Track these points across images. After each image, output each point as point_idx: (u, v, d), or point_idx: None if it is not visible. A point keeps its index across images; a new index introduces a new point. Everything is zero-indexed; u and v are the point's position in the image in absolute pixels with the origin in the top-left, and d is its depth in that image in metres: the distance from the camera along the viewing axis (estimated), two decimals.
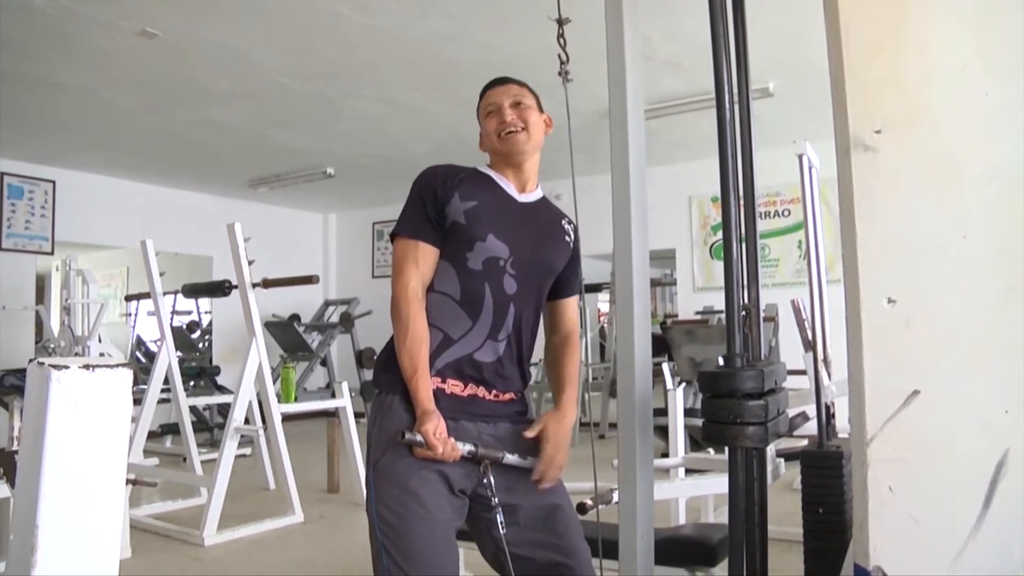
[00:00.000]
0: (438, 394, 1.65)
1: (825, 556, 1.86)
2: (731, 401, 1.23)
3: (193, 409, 6.44)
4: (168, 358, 4.98)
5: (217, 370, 7.76)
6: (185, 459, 5.33)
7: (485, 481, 1.64)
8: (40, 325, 7.20)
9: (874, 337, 1.08)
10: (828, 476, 1.93)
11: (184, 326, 8.84)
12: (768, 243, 7.10)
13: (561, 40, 1.68)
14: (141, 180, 7.90)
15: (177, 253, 8.05)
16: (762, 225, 6.97)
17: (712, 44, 1.32)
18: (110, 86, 5.14)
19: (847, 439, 1.41)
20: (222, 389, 7.28)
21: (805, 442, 3.10)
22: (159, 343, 5.06)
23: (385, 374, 1.71)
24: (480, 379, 1.71)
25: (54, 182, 7.26)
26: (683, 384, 4.34)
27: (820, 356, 2.53)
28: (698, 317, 7.01)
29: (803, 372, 2.98)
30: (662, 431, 4.12)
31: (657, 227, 7.28)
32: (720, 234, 1.36)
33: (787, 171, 3.29)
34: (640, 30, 1.44)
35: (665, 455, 4.02)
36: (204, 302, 8.82)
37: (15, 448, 3.11)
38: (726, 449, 1.30)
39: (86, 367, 0.90)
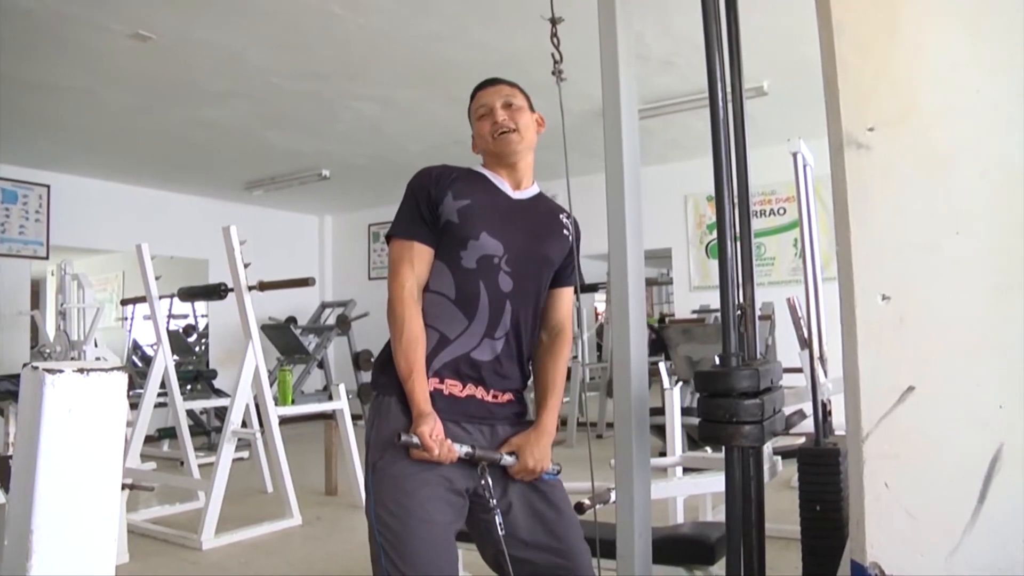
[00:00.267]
0: (435, 395, 1.66)
1: (823, 553, 1.87)
2: (727, 400, 1.23)
3: (190, 413, 6.42)
4: (164, 362, 4.98)
5: (214, 373, 7.75)
6: (182, 463, 5.33)
7: (483, 483, 1.64)
8: (35, 330, 7.19)
9: (869, 334, 1.08)
10: (825, 473, 1.94)
11: (180, 330, 8.83)
12: (764, 242, 7.10)
13: (554, 39, 1.68)
14: (136, 184, 7.88)
15: (173, 256, 8.04)
16: (758, 224, 6.99)
17: (705, 42, 1.33)
18: (104, 89, 5.14)
19: (844, 436, 1.41)
20: (219, 392, 7.26)
21: (802, 440, 3.10)
22: (155, 347, 5.06)
23: (383, 376, 1.71)
24: (478, 378, 1.71)
25: (48, 186, 7.24)
26: (680, 383, 4.34)
27: (816, 354, 2.53)
28: (694, 316, 7.02)
29: (799, 370, 2.99)
30: (659, 430, 4.12)
31: (653, 226, 7.34)
32: (716, 233, 1.36)
33: (782, 170, 3.30)
34: (633, 28, 1.44)
35: (663, 454, 4.03)
36: (200, 305, 8.81)
37: (9, 453, 3.10)
38: (723, 448, 1.30)
39: (81, 371, 0.89)
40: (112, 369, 0.93)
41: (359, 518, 4.51)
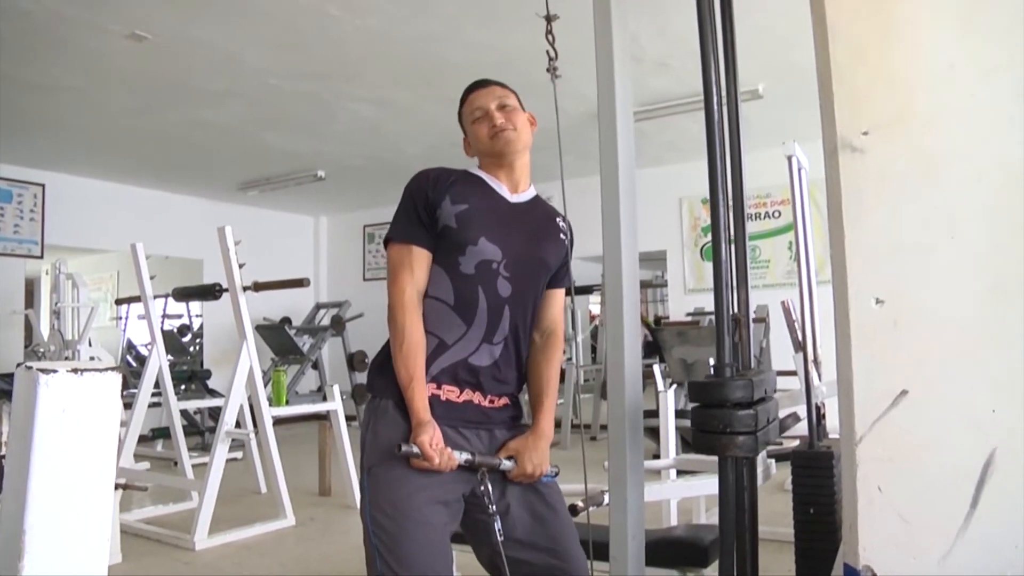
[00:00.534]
0: (433, 401, 1.65)
1: (816, 556, 1.86)
2: (720, 411, 1.23)
3: (184, 413, 6.41)
4: (159, 362, 4.96)
5: (208, 374, 7.73)
6: (176, 463, 5.32)
7: (482, 489, 1.65)
8: (29, 329, 7.16)
9: (862, 338, 1.08)
10: (819, 476, 1.93)
11: (175, 330, 8.80)
12: (759, 244, 7.11)
13: (549, 36, 1.68)
14: (131, 183, 7.86)
15: (168, 256, 8.02)
16: (753, 227, 7.00)
17: (700, 45, 1.33)
18: (100, 89, 5.12)
19: (838, 440, 1.41)
20: (213, 393, 7.25)
21: (796, 443, 3.11)
22: (150, 347, 5.04)
23: (379, 378, 1.71)
24: (476, 384, 1.71)
25: (43, 185, 7.22)
26: (674, 385, 4.34)
27: (810, 357, 2.53)
28: (689, 319, 7.02)
29: (794, 373, 2.99)
30: (653, 432, 4.12)
31: (648, 229, 7.32)
32: (710, 236, 1.36)
33: (777, 173, 3.30)
34: (629, 29, 1.44)
35: (656, 456, 4.03)
36: (195, 305, 8.79)
37: (2, 453, 3.09)
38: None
39: (74, 371, 0.89)
40: (106, 369, 0.92)
41: (353, 519, 4.52)
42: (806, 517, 1.93)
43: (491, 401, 1.74)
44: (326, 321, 8.82)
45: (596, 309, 10.54)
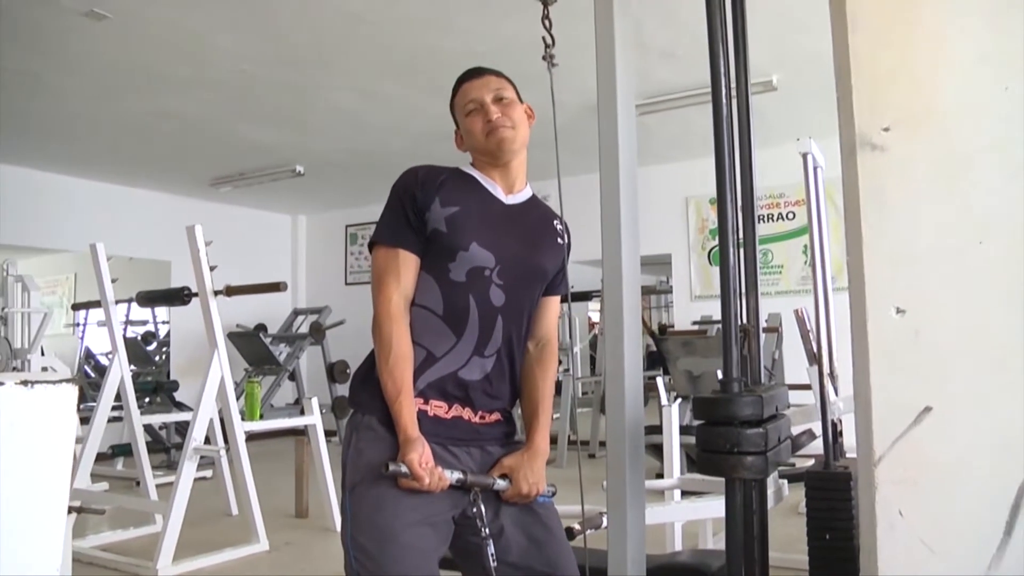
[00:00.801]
0: (420, 416, 1.65)
1: None
2: (727, 429, 1.23)
3: (148, 428, 6.37)
4: (120, 372, 4.93)
5: (175, 385, 7.70)
6: (138, 483, 5.28)
7: (475, 511, 1.65)
8: None
9: (882, 350, 1.08)
10: (835, 499, 1.93)
11: (139, 337, 8.77)
12: (771, 248, 7.13)
13: (546, 22, 1.67)
14: (90, 177, 7.83)
15: (131, 258, 7.99)
16: (765, 229, 7.01)
17: (708, 33, 1.32)
18: (53, 72, 5.08)
19: (855, 459, 1.41)
20: (180, 406, 7.22)
21: (811, 462, 3.11)
22: (110, 356, 5.02)
23: (363, 391, 1.71)
24: (465, 399, 1.71)
25: None
26: (679, 399, 4.34)
27: (826, 370, 2.53)
28: (695, 327, 7.03)
29: (808, 387, 2.99)
30: (656, 450, 4.12)
31: (651, 231, 7.36)
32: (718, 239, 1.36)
33: (792, 171, 3.31)
34: (632, 15, 1.44)
35: (660, 475, 4.02)
36: (161, 311, 8.77)
37: None
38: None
39: (24, 383, 0.88)
40: (60, 381, 0.91)
41: (332, 543, 4.50)
42: (821, 543, 1.93)
43: (482, 417, 1.74)
44: (304, 328, 8.80)
45: (596, 316, 10.55)
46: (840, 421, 2.47)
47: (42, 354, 6.28)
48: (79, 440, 4.74)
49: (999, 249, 1.05)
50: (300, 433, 5.28)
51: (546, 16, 1.68)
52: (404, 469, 1.55)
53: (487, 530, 1.64)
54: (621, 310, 1.37)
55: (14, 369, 6.00)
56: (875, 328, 1.08)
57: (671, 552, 3.24)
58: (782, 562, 3.02)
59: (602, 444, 7.22)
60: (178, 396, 7.59)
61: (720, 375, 1.30)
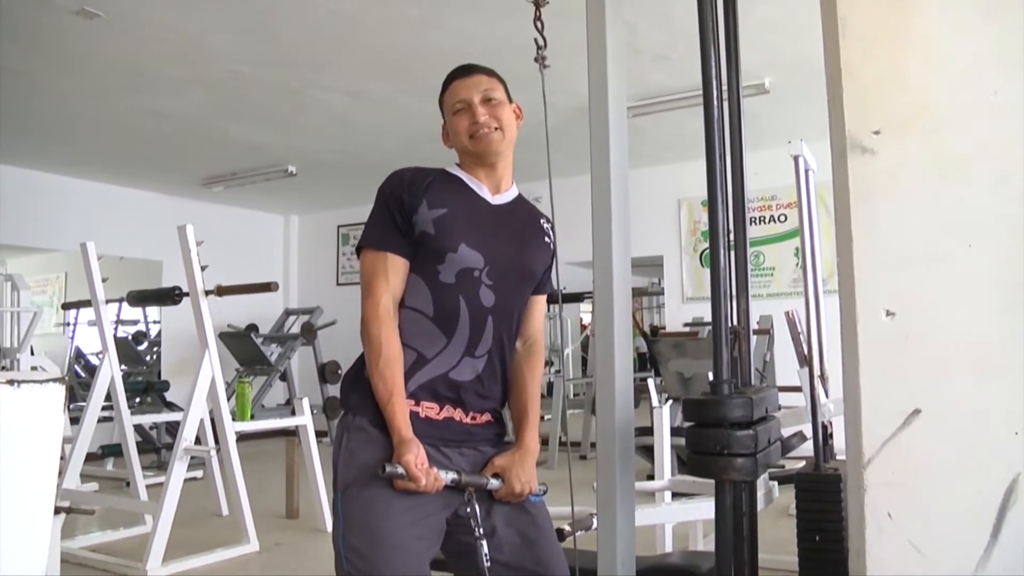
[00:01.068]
0: (412, 418, 1.65)
1: None
2: (717, 431, 1.23)
3: (138, 428, 6.34)
4: (111, 372, 4.91)
5: (166, 385, 7.67)
6: (128, 483, 5.25)
7: (469, 511, 1.65)
8: None
9: (871, 352, 1.08)
10: (825, 501, 1.94)
11: (129, 337, 8.73)
12: (763, 250, 7.15)
13: (538, 23, 1.67)
14: (82, 176, 7.80)
15: (122, 257, 7.95)
16: (757, 231, 7.02)
17: (700, 35, 1.33)
18: (44, 71, 5.05)
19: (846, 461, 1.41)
20: (171, 406, 7.19)
21: (802, 464, 3.11)
22: (101, 356, 4.99)
23: (353, 393, 1.71)
24: (457, 400, 1.71)
25: None
26: (670, 401, 4.35)
27: (817, 372, 2.54)
28: (687, 329, 7.04)
29: (799, 389, 3.00)
30: (647, 451, 4.12)
31: (644, 233, 7.36)
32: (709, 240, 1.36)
33: (784, 173, 3.32)
34: (624, 16, 1.44)
35: (651, 477, 4.03)
36: (152, 311, 8.72)
37: None
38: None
39: (10, 383, 0.88)
40: (47, 380, 0.91)
41: (323, 544, 4.49)
42: (811, 545, 1.93)
43: (473, 418, 1.74)
44: (296, 329, 8.78)
45: (587, 318, 10.54)
46: (831, 423, 2.47)
47: (32, 353, 6.25)
48: (69, 440, 4.72)
49: (988, 252, 1.06)
50: (291, 434, 5.27)
51: (538, 18, 1.68)
52: (400, 470, 1.55)
53: (481, 530, 1.65)
54: (611, 311, 1.37)
55: (2, 368, 5.97)
56: (865, 330, 1.08)
57: (661, 554, 3.24)
58: (772, 564, 3.03)
59: (593, 445, 7.21)
60: (169, 396, 7.55)
61: (711, 377, 1.30)
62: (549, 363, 8.13)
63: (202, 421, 4.65)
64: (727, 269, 1.32)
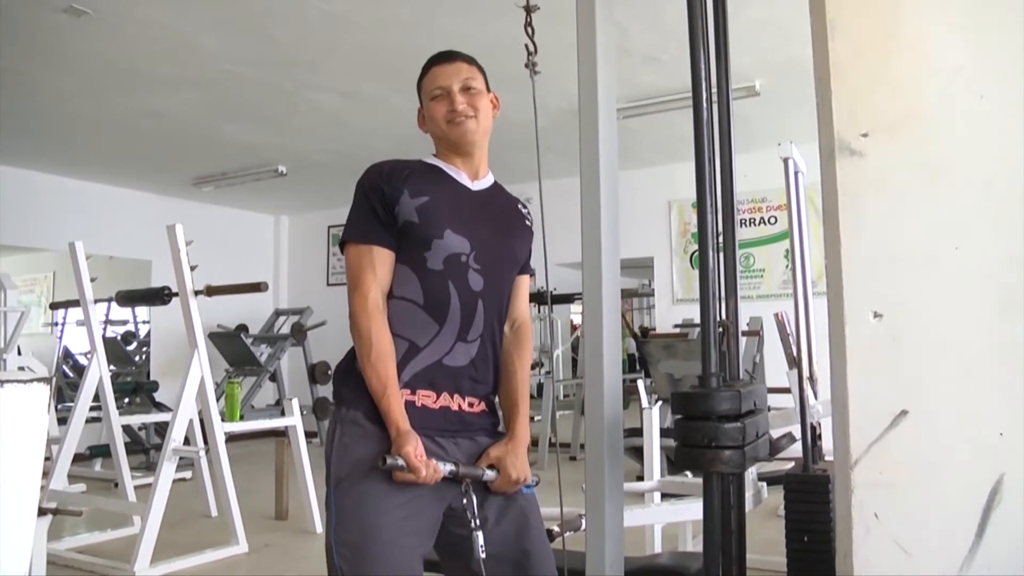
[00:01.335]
0: (408, 408, 1.64)
1: None
2: (706, 424, 1.23)
3: (127, 428, 6.32)
4: (99, 372, 4.89)
5: (155, 385, 7.64)
6: (117, 484, 5.23)
7: (465, 501, 1.65)
8: None
9: (859, 354, 1.08)
10: (814, 502, 1.94)
11: (119, 337, 8.70)
12: (752, 252, 7.17)
13: (529, 28, 1.68)
14: (70, 175, 7.75)
15: (112, 257, 7.92)
16: (747, 233, 7.04)
17: (690, 37, 1.33)
18: (33, 69, 5.02)
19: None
20: (160, 406, 7.16)
21: (790, 465, 3.12)
22: (89, 356, 4.97)
23: (346, 387, 1.70)
24: (453, 386, 1.71)
25: None
26: (660, 402, 4.35)
27: (805, 373, 2.55)
28: (677, 331, 7.05)
29: (788, 390, 3.01)
30: (637, 452, 4.13)
31: (634, 234, 7.37)
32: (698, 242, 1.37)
33: (775, 175, 3.32)
34: (614, 17, 1.44)
35: (640, 478, 4.03)
36: (141, 311, 8.69)
37: None
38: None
39: None
40: (31, 380, 0.90)
41: (311, 545, 4.48)
42: (800, 545, 1.93)
43: (470, 405, 1.74)
44: (286, 329, 8.76)
45: (578, 319, 10.54)
46: (819, 424, 2.48)
47: (19, 353, 6.20)
48: (57, 441, 4.70)
49: (975, 254, 1.06)
50: (280, 434, 5.25)
51: (529, 23, 1.69)
52: (400, 462, 1.55)
53: (477, 520, 1.65)
54: (601, 313, 1.37)
55: None
56: (853, 332, 1.09)
57: (650, 554, 3.25)
58: (761, 563, 3.04)
59: (583, 447, 7.21)
60: (158, 397, 7.52)
61: (698, 379, 1.31)
62: (539, 364, 8.13)
63: (191, 422, 4.64)
64: (716, 269, 1.33)
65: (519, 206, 1.91)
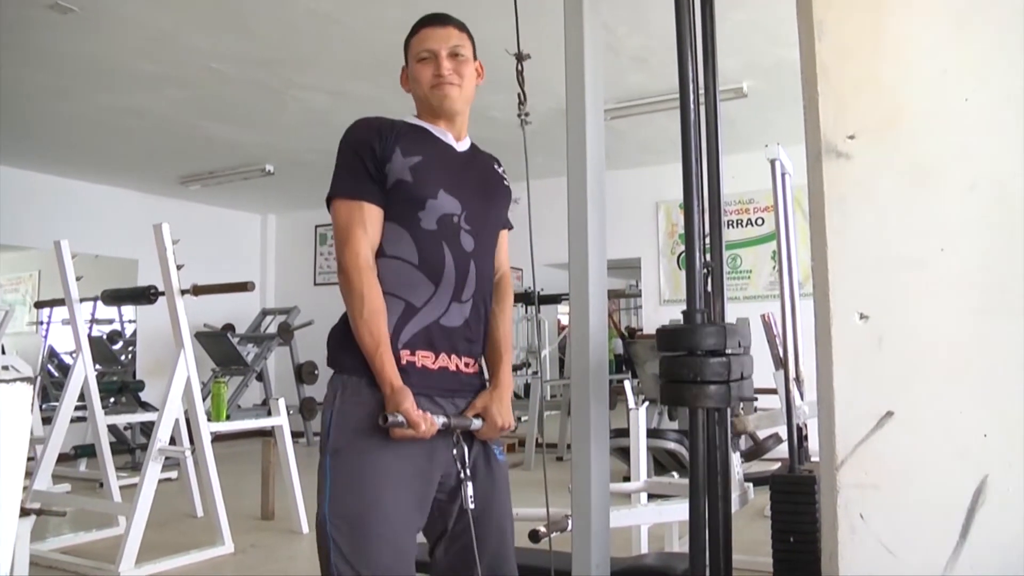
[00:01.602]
0: (408, 369, 1.64)
1: None
2: (691, 359, 1.23)
3: (112, 428, 6.27)
4: (84, 371, 4.85)
5: (141, 385, 7.60)
6: (102, 484, 5.20)
7: (456, 452, 1.67)
8: None
9: (845, 355, 1.09)
10: (800, 503, 1.95)
11: (104, 336, 8.64)
12: (740, 253, 7.19)
13: (520, 78, 1.69)
14: (56, 174, 7.70)
15: (97, 256, 7.87)
16: (734, 234, 7.06)
17: (677, 39, 1.33)
18: (17, 66, 4.97)
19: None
20: (146, 406, 7.12)
21: (777, 466, 3.13)
22: (74, 355, 4.93)
23: (343, 353, 1.68)
24: (450, 347, 1.72)
25: None
26: (647, 403, 4.36)
27: (792, 375, 2.56)
28: None
29: (775, 391, 3.02)
30: (623, 453, 4.13)
31: (622, 235, 7.37)
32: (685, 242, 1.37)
33: (762, 177, 3.34)
34: (602, 18, 1.44)
35: (627, 479, 4.04)
36: (127, 310, 8.64)
37: None
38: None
39: None
40: (13, 380, 0.89)
41: (298, 545, 4.47)
42: (786, 546, 1.94)
43: (466, 364, 1.75)
44: (272, 329, 8.73)
45: (565, 319, 10.54)
46: (806, 425, 2.49)
47: (3, 352, 6.16)
48: (41, 440, 4.66)
49: (961, 256, 1.07)
50: (267, 434, 5.23)
51: (520, 72, 1.70)
52: (401, 419, 1.55)
53: (467, 471, 1.67)
54: (587, 310, 1.37)
55: None
56: (839, 333, 1.09)
57: (636, 555, 3.25)
58: (747, 564, 3.05)
59: (570, 447, 7.22)
60: (144, 396, 7.49)
61: (682, 315, 1.31)
62: (526, 364, 8.14)
63: (177, 421, 4.61)
64: (702, 271, 1.33)
65: (495, 166, 1.91)
